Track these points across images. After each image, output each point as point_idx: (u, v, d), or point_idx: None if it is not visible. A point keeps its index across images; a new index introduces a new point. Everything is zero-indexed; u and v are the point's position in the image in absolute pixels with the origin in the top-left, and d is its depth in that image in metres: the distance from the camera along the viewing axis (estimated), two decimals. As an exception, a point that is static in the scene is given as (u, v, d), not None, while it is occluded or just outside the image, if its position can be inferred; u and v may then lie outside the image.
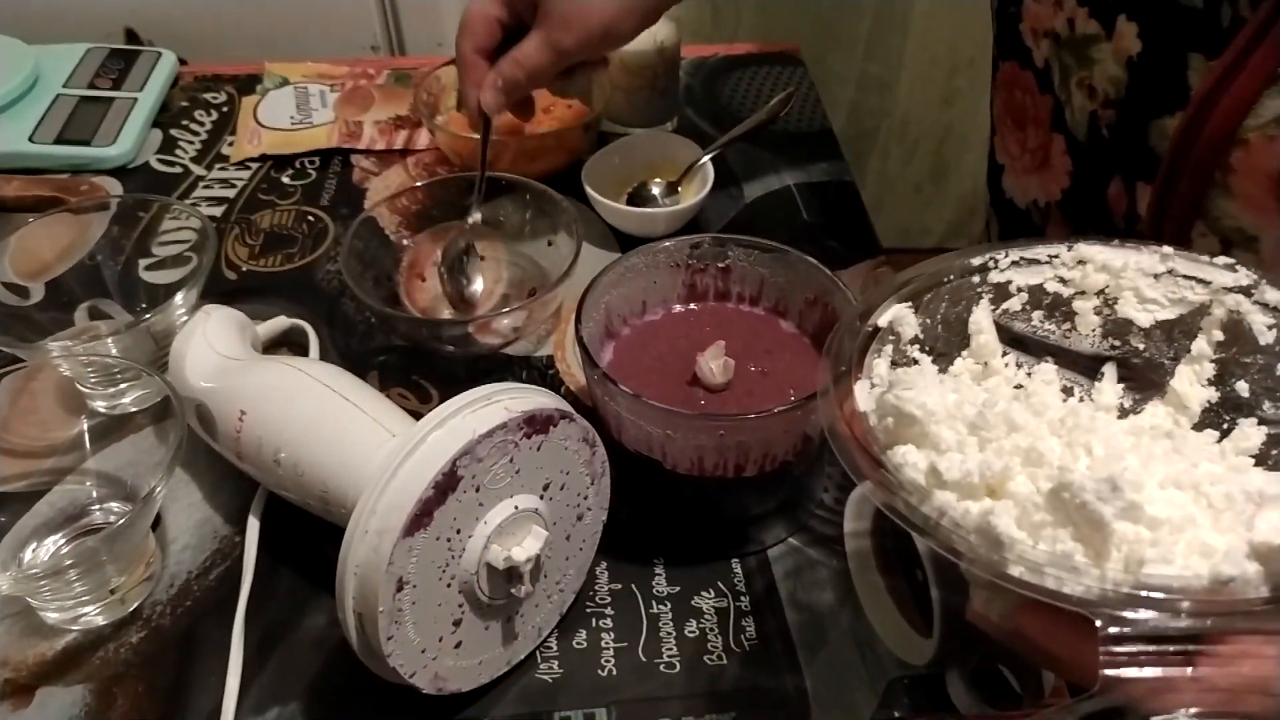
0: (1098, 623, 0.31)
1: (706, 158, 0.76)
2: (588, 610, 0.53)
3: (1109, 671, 0.31)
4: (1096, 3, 0.56)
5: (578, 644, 0.52)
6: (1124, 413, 0.44)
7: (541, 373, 0.66)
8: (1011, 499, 0.37)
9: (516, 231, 0.71)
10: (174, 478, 0.56)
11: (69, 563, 0.50)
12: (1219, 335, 0.43)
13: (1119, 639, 0.31)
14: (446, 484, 0.42)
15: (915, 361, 0.43)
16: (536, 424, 0.46)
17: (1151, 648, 0.31)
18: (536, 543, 0.46)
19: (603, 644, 0.52)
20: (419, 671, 0.45)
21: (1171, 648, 0.31)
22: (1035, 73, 0.64)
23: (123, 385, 0.59)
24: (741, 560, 0.55)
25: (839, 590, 0.54)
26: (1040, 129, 0.66)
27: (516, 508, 0.46)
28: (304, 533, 0.54)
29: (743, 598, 0.53)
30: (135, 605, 0.53)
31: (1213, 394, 0.43)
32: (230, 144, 0.84)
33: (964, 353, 0.45)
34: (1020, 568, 0.33)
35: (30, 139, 0.80)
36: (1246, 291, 0.43)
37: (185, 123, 0.86)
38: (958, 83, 1.64)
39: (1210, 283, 0.44)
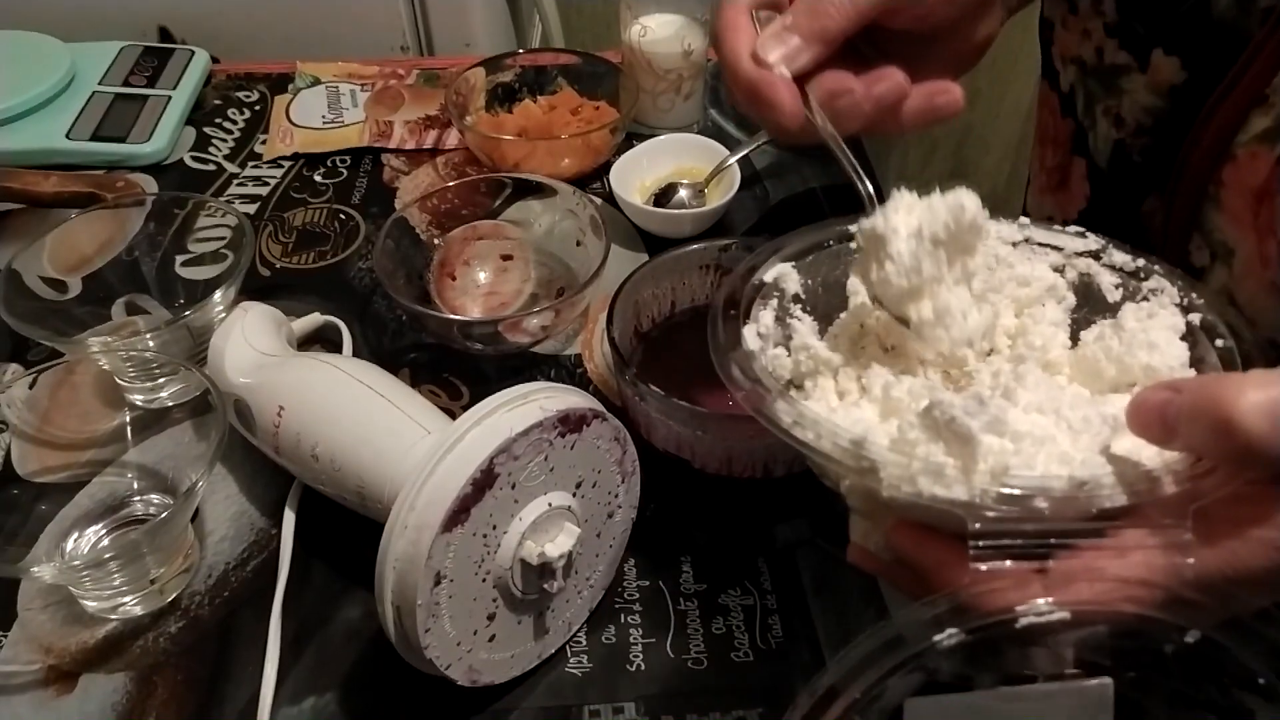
0: (969, 523, 0.33)
1: (734, 160, 0.76)
2: (616, 606, 0.54)
3: (977, 565, 0.33)
4: (1128, 35, 0.55)
5: (607, 639, 0.53)
6: None
7: (570, 371, 0.67)
8: (897, 418, 0.40)
9: (545, 232, 0.72)
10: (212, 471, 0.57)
11: (110, 554, 0.51)
12: (1071, 298, 0.46)
13: (984, 535, 0.33)
14: (484, 481, 0.43)
15: (798, 319, 0.46)
16: (570, 423, 0.46)
17: (1015, 543, 0.33)
18: (569, 539, 0.47)
19: (631, 639, 0.53)
20: (454, 664, 0.46)
21: (1033, 544, 0.33)
22: (1060, 96, 0.65)
23: (160, 380, 0.61)
24: (768, 559, 0.56)
25: (864, 590, 0.54)
26: (1059, 151, 0.66)
27: (550, 505, 0.47)
28: (339, 526, 0.55)
29: (769, 596, 0.54)
30: (174, 596, 0.54)
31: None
32: (263, 142, 0.85)
33: (843, 314, 0.47)
34: (895, 478, 0.35)
35: (67, 135, 0.82)
36: (1096, 255, 0.46)
37: (218, 120, 0.88)
38: (978, 84, 1.63)
39: (1063, 248, 0.47)
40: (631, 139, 0.81)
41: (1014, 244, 0.47)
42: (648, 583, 0.55)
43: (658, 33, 0.82)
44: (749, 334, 0.43)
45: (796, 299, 0.46)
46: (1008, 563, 0.33)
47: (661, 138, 0.80)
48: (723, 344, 0.42)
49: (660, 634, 0.53)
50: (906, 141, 1.71)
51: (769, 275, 0.46)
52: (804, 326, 0.45)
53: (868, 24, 0.47)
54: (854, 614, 0.54)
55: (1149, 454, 0.35)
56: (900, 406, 0.40)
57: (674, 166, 0.79)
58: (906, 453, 0.36)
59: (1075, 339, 0.45)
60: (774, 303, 0.45)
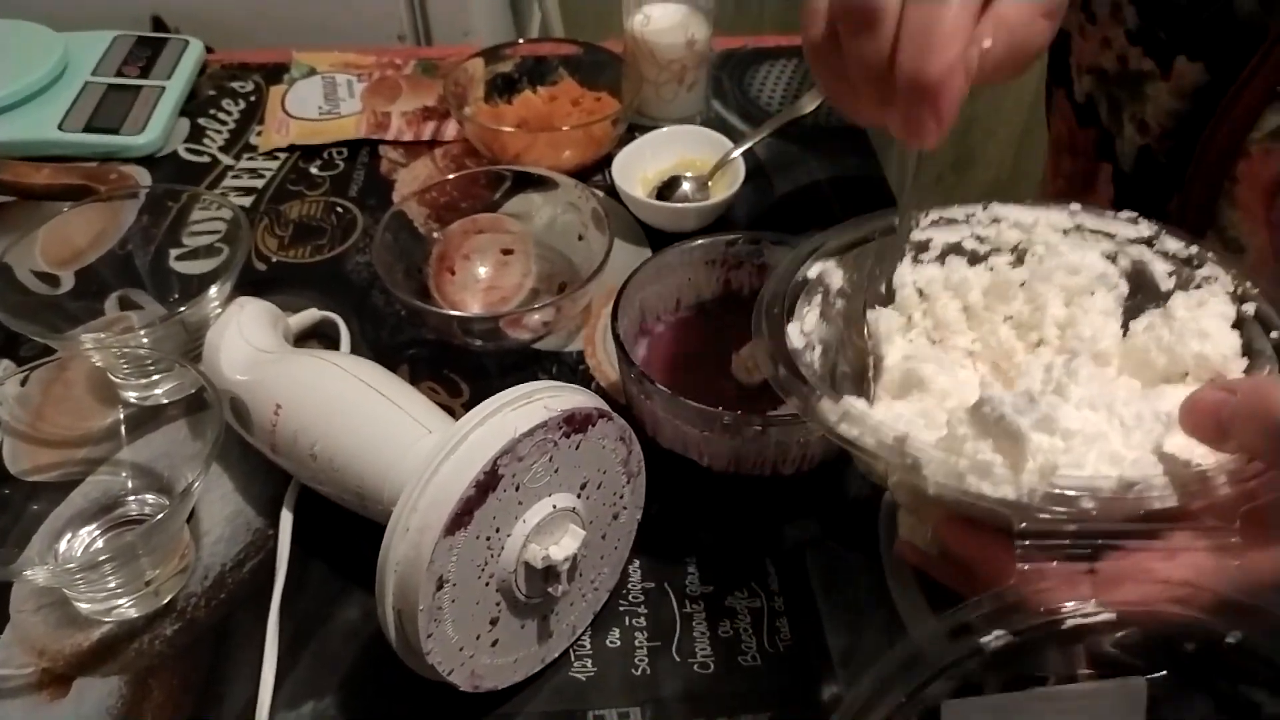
0: (1014, 522, 0.33)
1: (738, 152, 0.75)
2: (621, 609, 0.53)
3: (1022, 565, 0.33)
4: (1151, 42, 0.55)
5: (611, 643, 0.52)
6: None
7: (572, 368, 0.66)
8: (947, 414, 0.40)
9: (546, 225, 0.70)
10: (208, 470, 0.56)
11: (104, 556, 0.50)
12: (1123, 286, 0.45)
13: (1031, 534, 0.33)
14: (488, 483, 0.42)
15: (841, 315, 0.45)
16: (576, 423, 0.45)
17: (1062, 543, 0.33)
18: (574, 542, 0.46)
19: (636, 643, 0.52)
20: (456, 669, 0.45)
21: (1080, 544, 0.33)
22: (1075, 106, 0.64)
23: (155, 376, 0.59)
24: (775, 560, 0.55)
25: (874, 591, 0.53)
26: (1078, 158, 0.66)
27: (555, 507, 0.45)
28: (336, 526, 0.54)
29: (777, 598, 0.53)
30: (169, 598, 0.53)
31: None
32: (258, 133, 0.84)
33: (887, 308, 0.46)
34: (941, 475, 0.35)
35: (59, 127, 0.80)
36: (1148, 242, 0.45)
37: (213, 111, 0.86)
38: (982, 74, 1.62)
39: (1115, 235, 0.46)
40: (634, 131, 0.79)
41: (1064, 231, 0.46)
42: (653, 585, 0.54)
43: (660, 22, 0.80)
44: (793, 331, 0.43)
45: (841, 294, 0.45)
46: (1054, 563, 0.33)
47: (664, 129, 0.79)
48: (767, 341, 0.42)
49: (666, 637, 0.52)
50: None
51: (812, 272, 0.45)
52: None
53: None
54: (864, 616, 0.53)
55: (1201, 452, 0.35)
56: (949, 403, 0.40)
57: (677, 159, 0.78)
58: (954, 449, 0.36)
59: (1127, 329, 0.44)
60: (818, 299, 0.45)
